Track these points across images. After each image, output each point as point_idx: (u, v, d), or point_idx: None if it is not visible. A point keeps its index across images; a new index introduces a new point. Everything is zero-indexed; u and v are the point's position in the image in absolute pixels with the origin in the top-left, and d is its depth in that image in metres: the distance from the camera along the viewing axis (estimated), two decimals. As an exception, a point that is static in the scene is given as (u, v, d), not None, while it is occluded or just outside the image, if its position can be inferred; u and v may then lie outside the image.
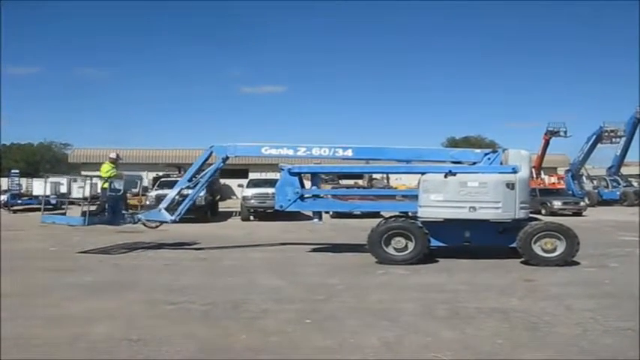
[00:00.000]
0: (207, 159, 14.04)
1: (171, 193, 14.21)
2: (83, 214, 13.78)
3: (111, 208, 14.03)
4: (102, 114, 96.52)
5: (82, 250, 13.33)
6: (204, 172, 14.20)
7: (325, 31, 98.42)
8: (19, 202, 29.40)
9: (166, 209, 13.85)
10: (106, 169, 14.26)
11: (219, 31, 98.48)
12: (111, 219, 14.15)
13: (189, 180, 14.04)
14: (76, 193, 21.44)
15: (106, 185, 14.12)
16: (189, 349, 5.72)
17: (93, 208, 14.35)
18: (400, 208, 12.97)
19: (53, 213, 18.10)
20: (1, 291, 8.28)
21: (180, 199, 14.05)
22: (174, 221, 14.03)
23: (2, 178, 36.40)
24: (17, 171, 35.50)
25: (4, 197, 29.92)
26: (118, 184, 14.26)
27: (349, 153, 12.99)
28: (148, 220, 14.51)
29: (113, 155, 14.71)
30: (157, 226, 14.85)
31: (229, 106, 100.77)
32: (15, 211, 27.67)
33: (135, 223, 14.46)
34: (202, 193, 21.98)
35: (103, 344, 5.88)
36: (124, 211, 14.50)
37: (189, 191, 14.15)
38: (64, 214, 16.04)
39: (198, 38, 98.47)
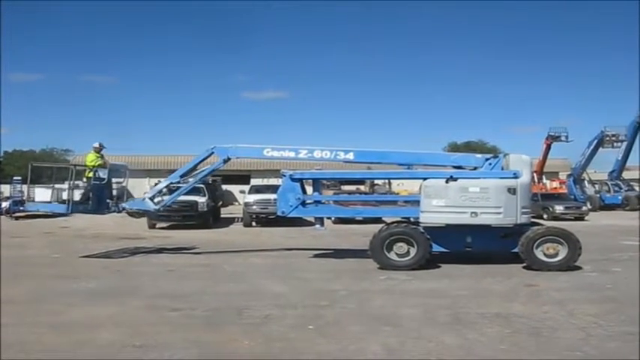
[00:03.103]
0: (205, 159, 13.99)
1: (160, 185, 14.34)
2: (67, 202, 13.78)
3: (96, 197, 13.96)
4: (104, 120, 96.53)
5: (84, 255, 13.36)
6: (200, 170, 14.24)
7: (326, 36, 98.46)
8: (22, 208, 29.36)
9: (151, 199, 13.90)
10: (91, 158, 14.21)
11: (221, 37, 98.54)
12: (95, 208, 14.08)
13: (182, 176, 14.06)
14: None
15: (91, 174, 14.00)
16: (192, 355, 5.74)
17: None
18: (402, 213, 12.94)
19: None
20: (7, 298, 8.30)
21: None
22: (157, 210, 14.24)
23: (4, 185, 36.49)
24: (19, 178, 35.43)
25: (5, 204, 29.93)
26: (103, 173, 14.11)
27: (350, 156, 13.06)
28: (132, 209, 14.56)
29: (97, 145, 14.48)
30: (140, 217, 14.88)
31: (231, 111, 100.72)
32: (17, 218, 27.70)
33: (119, 212, 14.53)
34: (204, 199, 22.22)
35: (107, 350, 5.90)
36: (108, 200, 14.37)
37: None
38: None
39: (200, 44, 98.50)
